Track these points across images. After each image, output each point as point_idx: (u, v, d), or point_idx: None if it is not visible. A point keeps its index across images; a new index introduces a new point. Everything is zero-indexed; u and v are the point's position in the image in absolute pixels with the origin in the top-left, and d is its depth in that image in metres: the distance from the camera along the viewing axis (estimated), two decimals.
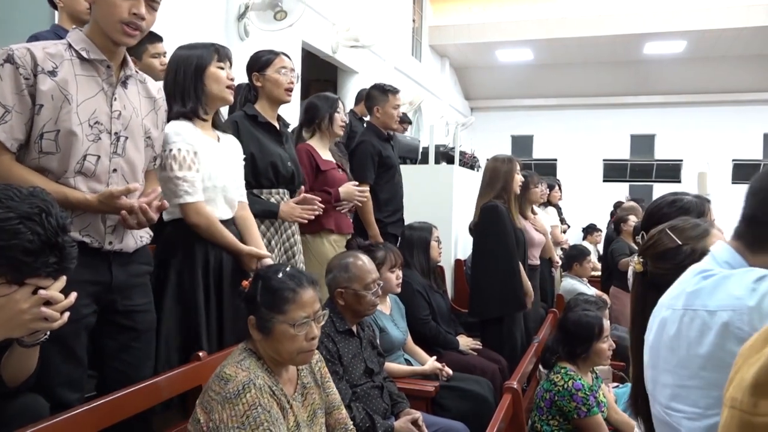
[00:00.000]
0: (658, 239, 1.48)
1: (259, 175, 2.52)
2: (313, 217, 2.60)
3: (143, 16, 1.61)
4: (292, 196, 2.65)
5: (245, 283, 1.65)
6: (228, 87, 2.12)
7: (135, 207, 1.60)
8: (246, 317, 1.61)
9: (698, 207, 1.89)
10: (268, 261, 2.21)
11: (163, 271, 2.01)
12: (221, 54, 2.10)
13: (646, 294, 1.50)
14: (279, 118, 2.66)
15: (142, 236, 1.78)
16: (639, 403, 1.56)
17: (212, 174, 2.08)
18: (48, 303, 1.23)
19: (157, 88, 1.86)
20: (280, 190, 2.60)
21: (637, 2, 9.00)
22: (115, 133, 1.66)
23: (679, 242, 1.45)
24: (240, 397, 1.43)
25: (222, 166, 2.13)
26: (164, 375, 1.75)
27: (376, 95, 3.53)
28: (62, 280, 1.26)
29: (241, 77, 2.56)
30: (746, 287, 0.92)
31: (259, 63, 2.58)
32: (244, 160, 2.34)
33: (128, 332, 1.76)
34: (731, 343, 0.91)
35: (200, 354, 1.86)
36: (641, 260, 1.48)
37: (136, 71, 1.79)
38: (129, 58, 1.74)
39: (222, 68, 2.09)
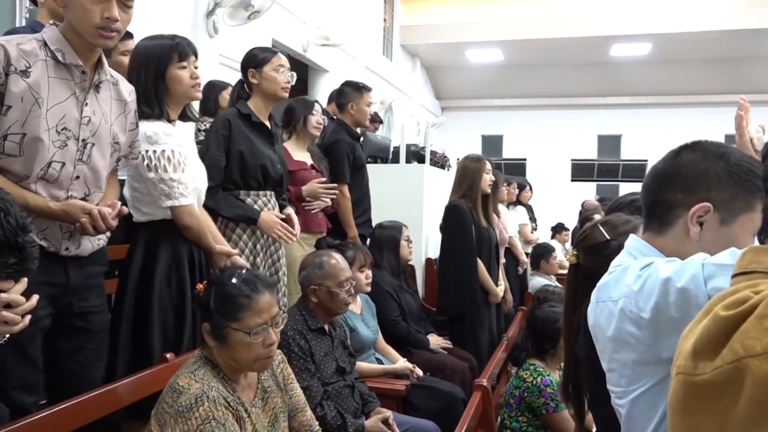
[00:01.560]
0: (590, 233, 1.56)
1: (247, 176, 2.49)
2: (290, 242, 2.55)
3: (117, 19, 1.56)
4: (278, 199, 2.64)
5: (199, 286, 1.60)
6: (194, 86, 2.07)
7: (95, 214, 1.57)
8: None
9: None
10: (239, 259, 2.19)
11: (148, 274, 1.98)
12: (182, 53, 2.03)
13: (578, 285, 1.57)
14: (271, 118, 2.63)
15: (100, 239, 1.75)
16: (569, 390, 1.62)
17: (195, 175, 2.08)
18: (8, 306, 1.19)
19: (129, 90, 1.82)
20: (267, 192, 2.57)
21: (604, 5, 9.16)
22: (83, 140, 1.62)
23: (608, 237, 1.52)
24: (192, 410, 1.38)
25: (199, 166, 2.14)
26: (127, 379, 1.71)
27: (350, 92, 3.50)
28: (23, 282, 1.22)
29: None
30: (635, 275, 1.04)
31: (256, 60, 2.56)
32: (208, 156, 2.32)
33: (83, 334, 1.73)
34: (627, 324, 1.04)
35: (167, 356, 1.83)
36: (575, 253, 1.55)
37: (111, 74, 1.75)
38: (104, 60, 1.70)
39: (184, 67, 2.04)
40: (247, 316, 1.50)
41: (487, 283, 3.58)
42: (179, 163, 1.97)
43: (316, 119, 3.11)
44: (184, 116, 2.17)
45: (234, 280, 1.54)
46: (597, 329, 1.15)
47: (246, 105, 2.55)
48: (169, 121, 2.05)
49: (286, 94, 2.60)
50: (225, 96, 3.29)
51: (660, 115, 10.91)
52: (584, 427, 1.82)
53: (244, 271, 1.59)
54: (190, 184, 2.02)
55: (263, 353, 1.53)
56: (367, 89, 3.53)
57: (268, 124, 2.60)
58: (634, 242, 1.16)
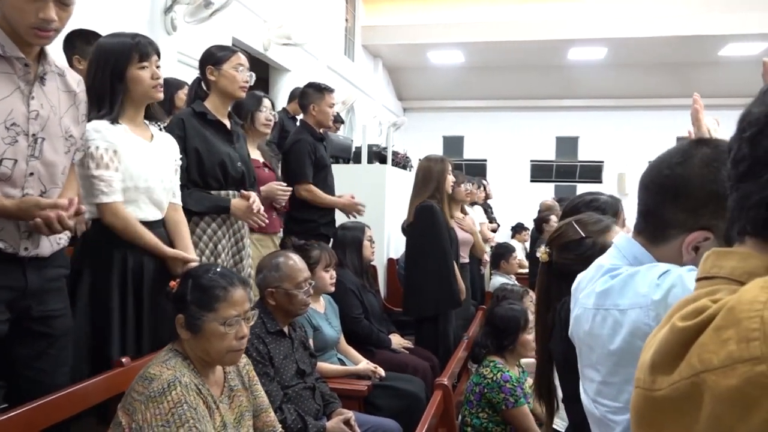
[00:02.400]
0: (564, 231, 1.57)
1: (206, 175, 2.45)
2: (264, 224, 2.54)
3: (53, 19, 1.51)
4: None
5: (173, 283, 1.64)
6: (154, 86, 2.03)
7: (52, 217, 1.51)
8: (170, 321, 1.58)
9: (613, 206, 2.01)
10: (194, 266, 2.15)
11: (77, 274, 1.92)
12: (143, 53, 1.99)
13: (550, 283, 1.58)
14: (230, 116, 2.60)
15: (60, 239, 1.70)
16: (542, 390, 1.64)
17: (134, 174, 1.99)
18: None
19: (77, 80, 1.76)
20: (230, 192, 2.51)
21: (562, 10, 9.36)
22: (33, 135, 1.56)
23: (583, 234, 1.53)
24: (165, 394, 1.41)
25: (148, 166, 2.05)
26: (85, 382, 1.67)
27: (312, 93, 3.52)
28: None
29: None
30: (651, 284, 0.94)
31: (215, 57, 2.53)
32: (182, 159, 2.26)
33: (43, 339, 1.67)
34: (640, 339, 0.92)
35: (123, 360, 1.79)
36: (547, 250, 1.56)
37: (55, 65, 1.70)
38: (47, 51, 1.65)
39: (144, 67, 1.99)
40: (223, 307, 1.56)
41: (460, 283, 3.62)
42: (102, 159, 1.90)
43: (265, 116, 3.04)
44: (149, 116, 2.12)
45: (211, 274, 1.61)
46: (594, 339, 1.05)
47: (201, 104, 2.51)
48: (117, 121, 1.98)
49: (244, 94, 2.58)
50: (181, 95, 3.23)
51: (615, 117, 11.20)
52: (552, 425, 1.84)
53: (218, 268, 1.65)
54: (117, 182, 1.94)
55: (235, 345, 1.58)
56: (329, 90, 3.54)
57: (227, 122, 2.56)
58: (629, 245, 1.07)
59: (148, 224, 2.02)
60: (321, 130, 3.55)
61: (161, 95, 2.09)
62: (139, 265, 2.00)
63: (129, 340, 1.95)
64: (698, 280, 0.61)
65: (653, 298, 0.92)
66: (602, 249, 1.55)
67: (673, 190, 0.98)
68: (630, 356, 0.96)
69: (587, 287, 1.09)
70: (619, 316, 0.98)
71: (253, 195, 2.49)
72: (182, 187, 2.32)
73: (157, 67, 2.04)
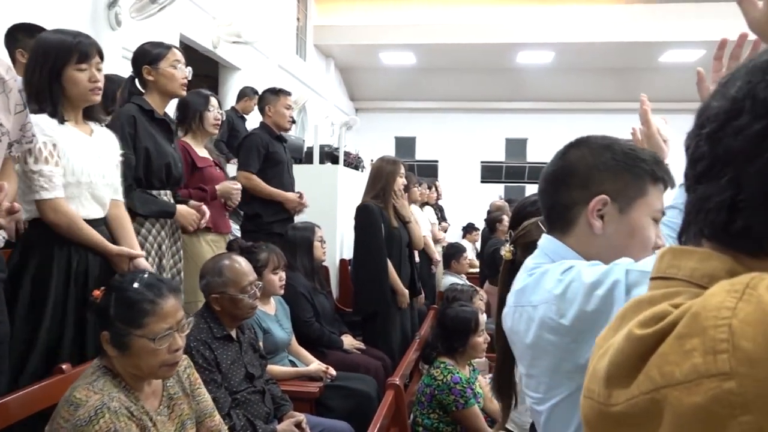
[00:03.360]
0: (529, 230, 1.60)
1: (151, 176, 2.40)
2: (201, 226, 2.57)
3: None
4: (174, 198, 2.56)
5: (96, 293, 1.51)
6: (92, 89, 1.95)
7: None
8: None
9: None
10: (142, 261, 2.09)
11: (17, 277, 1.84)
12: (83, 53, 1.91)
13: (511, 282, 1.61)
14: (165, 114, 2.54)
15: None
16: (502, 386, 1.67)
17: (76, 169, 1.93)
18: None
19: (6, 67, 1.67)
20: (168, 192, 2.49)
21: (511, 14, 9.55)
22: None
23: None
24: (92, 423, 1.30)
25: (90, 162, 1.98)
26: (23, 390, 1.60)
27: (267, 96, 3.70)
28: None
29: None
30: (555, 279, 1.00)
31: (151, 56, 2.44)
32: (125, 155, 2.20)
33: None
34: (546, 332, 0.99)
35: (63, 367, 1.72)
36: (512, 249, 1.59)
37: None
38: None
39: (83, 69, 1.92)
40: (152, 322, 1.45)
41: (396, 283, 3.63)
42: (41, 153, 1.83)
43: (213, 115, 3.00)
44: (88, 116, 2.05)
45: (136, 285, 1.48)
46: (514, 335, 1.11)
47: (146, 101, 2.44)
48: (61, 118, 1.91)
49: (185, 91, 2.54)
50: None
51: (563, 119, 11.49)
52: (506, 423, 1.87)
53: (146, 275, 1.53)
54: (58, 177, 1.87)
55: (169, 359, 1.48)
56: (284, 93, 3.67)
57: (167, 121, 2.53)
58: (549, 243, 1.13)
59: (90, 222, 1.95)
60: (280, 132, 3.65)
61: (98, 98, 2.01)
62: (84, 264, 1.93)
63: (71, 345, 1.88)
64: (653, 278, 0.56)
65: (555, 293, 0.98)
66: None
67: (561, 176, 1.11)
68: (540, 349, 1.02)
69: (513, 286, 1.15)
70: (532, 312, 1.03)
71: (205, 208, 2.54)
72: (128, 186, 2.26)
73: (99, 69, 1.97)
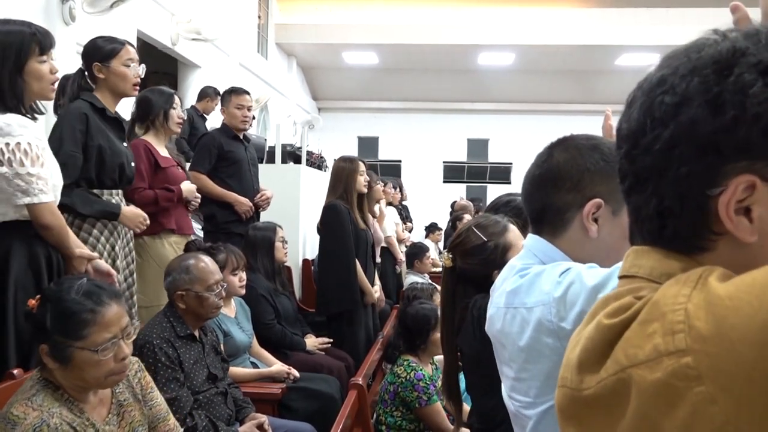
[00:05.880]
0: (465, 237, 1.61)
1: (104, 175, 2.33)
2: (145, 227, 2.49)
3: None
4: (125, 197, 2.50)
5: (32, 302, 1.42)
6: (52, 82, 1.90)
7: None
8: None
9: None
10: (101, 263, 2.03)
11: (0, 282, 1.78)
12: (44, 45, 1.85)
13: (455, 287, 1.62)
14: (116, 112, 2.46)
15: None
16: (451, 390, 1.68)
17: (53, 171, 1.90)
18: None
19: None
20: (120, 191, 2.42)
21: (473, 16, 9.65)
22: None
23: (485, 239, 1.59)
24: None
25: (53, 162, 1.94)
26: None
27: (225, 96, 3.69)
28: None
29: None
30: (553, 281, 0.98)
31: (103, 53, 2.35)
32: (63, 152, 2.14)
33: None
34: (544, 335, 0.97)
35: (15, 372, 1.66)
36: (450, 256, 1.60)
37: None
38: None
39: (44, 61, 1.86)
40: (94, 332, 1.36)
41: (363, 283, 3.63)
42: (37, 156, 1.78)
43: (178, 114, 2.95)
44: (32, 110, 1.99)
45: (74, 295, 1.38)
46: (505, 337, 1.08)
47: (97, 98, 2.35)
48: (35, 118, 1.87)
49: (136, 91, 2.45)
50: None
51: (523, 121, 11.68)
52: (462, 421, 1.88)
53: (84, 281, 1.43)
54: (49, 180, 1.84)
55: (115, 368, 1.41)
56: (236, 92, 3.62)
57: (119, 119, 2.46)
58: (537, 243, 1.11)
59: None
60: (241, 131, 3.63)
61: (53, 94, 1.96)
62: (47, 261, 1.87)
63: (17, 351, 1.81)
64: (620, 277, 0.61)
65: (554, 296, 0.96)
66: (504, 249, 1.61)
67: (550, 179, 1.08)
68: (536, 352, 1.00)
69: (500, 287, 1.12)
70: (526, 314, 1.01)
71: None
72: (72, 185, 2.19)
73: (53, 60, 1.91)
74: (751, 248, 0.52)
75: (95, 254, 2.03)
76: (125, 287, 2.44)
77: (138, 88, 2.44)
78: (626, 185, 0.59)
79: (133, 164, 2.47)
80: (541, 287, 1.00)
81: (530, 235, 1.14)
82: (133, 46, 2.45)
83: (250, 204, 3.52)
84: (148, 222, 2.50)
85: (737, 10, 0.85)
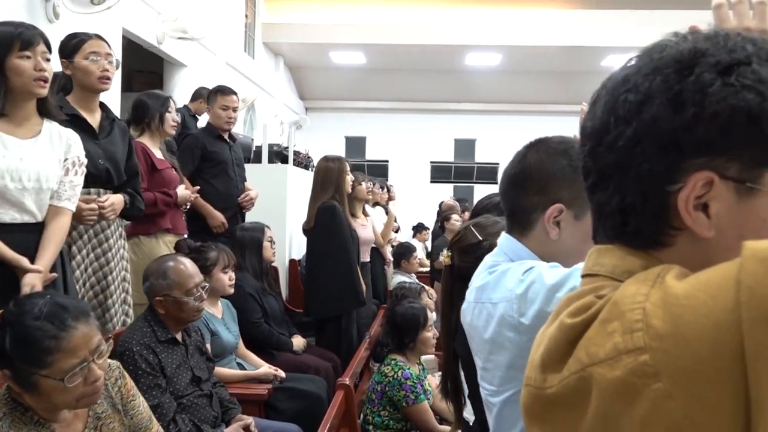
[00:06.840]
0: (463, 235, 1.64)
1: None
2: (92, 222, 2.28)
3: None
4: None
5: None
6: (37, 79, 1.86)
7: None
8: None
9: None
10: (33, 277, 1.84)
11: None
12: (25, 41, 1.82)
13: (453, 285, 1.64)
14: (104, 109, 2.41)
15: None
16: (449, 388, 1.70)
17: (39, 176, 1.87)
18: None
19: None
20: (92, 190, 2.30)
21: (460, 16, 9.67)
22: None
23: (480, 238, 1.61)
24: None
25: (18, 165, 1.85)
26: None
27: (210, 95, 3.71)
28: None
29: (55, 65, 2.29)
30: (516, 279, 1.03)
31: (68, 48, 2.30)
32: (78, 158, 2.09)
33: None
34: (506, 329, 1.03)
35: None
36: (449, 254, 1.63)
37: None
38: None
39: (27, 57, 1.83)
40: (59, 359, 1.25)
41: (361, 282, 3.64)
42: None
43: (173, 117, 3.03)
44: (47, 113, 1.95)
45: (35, 320, 1.27)
46: (473, 329, 1.15)
47: (63, 98, 2.30)
48: (2, 115, 1.82)
49: (106, 86, 2.32)
50: None
51: (510, 121, 11.71)
52: (461, 420, 1.89)
53: (47, 300, 1.31)
54: None
55: (87, 391, 1.31)
56: (221, 92, 3.61)
57: (94, 116, 2.36)
58: (508, 242, 1.16)
59: (19, 228, 1.87)
60: (223, 132, 3.61)
61: (43, 91, 1.90)
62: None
63: None
64: (583, 276, 0.62)
65: (516, 293, 1.01)
66: None
67: (521, 180, 1.13)
68: (498, 345, 1.06)
69: (472, 282, 1.18)
70: (492, 309, 1.07)
71: (109, 197, 2.31)
72: None
73: (47, 59, 1.88)
74: (708, 243, 0.53)
75: (35, 267, 1.87)
76: (121, 290, 2.43)
77: (107, 81, 2.31)
78: (590, 182, 0.60)
79: (102, 161, 2.32)
80: (505, 284, 1.05)
81: (503, 234, 1.20)
82: (104, 39, 2.36)
83: (224, 220, 3.46)
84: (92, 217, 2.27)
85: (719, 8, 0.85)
